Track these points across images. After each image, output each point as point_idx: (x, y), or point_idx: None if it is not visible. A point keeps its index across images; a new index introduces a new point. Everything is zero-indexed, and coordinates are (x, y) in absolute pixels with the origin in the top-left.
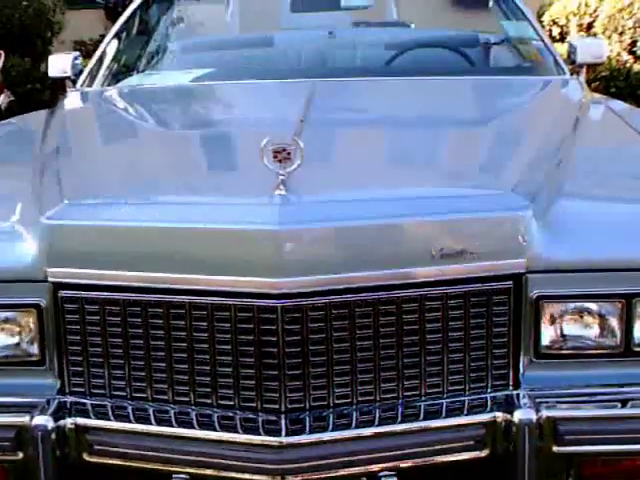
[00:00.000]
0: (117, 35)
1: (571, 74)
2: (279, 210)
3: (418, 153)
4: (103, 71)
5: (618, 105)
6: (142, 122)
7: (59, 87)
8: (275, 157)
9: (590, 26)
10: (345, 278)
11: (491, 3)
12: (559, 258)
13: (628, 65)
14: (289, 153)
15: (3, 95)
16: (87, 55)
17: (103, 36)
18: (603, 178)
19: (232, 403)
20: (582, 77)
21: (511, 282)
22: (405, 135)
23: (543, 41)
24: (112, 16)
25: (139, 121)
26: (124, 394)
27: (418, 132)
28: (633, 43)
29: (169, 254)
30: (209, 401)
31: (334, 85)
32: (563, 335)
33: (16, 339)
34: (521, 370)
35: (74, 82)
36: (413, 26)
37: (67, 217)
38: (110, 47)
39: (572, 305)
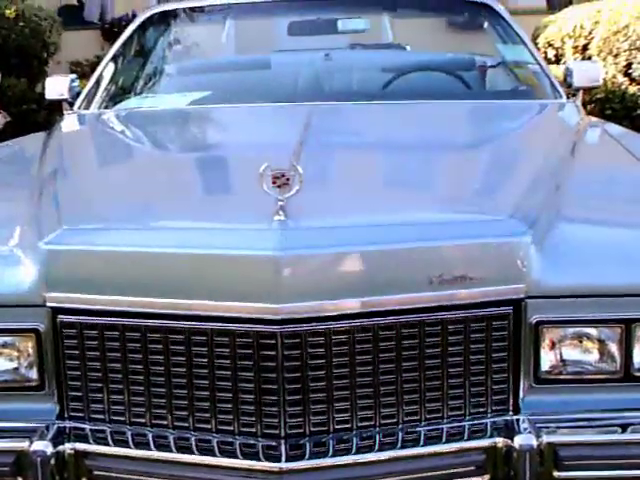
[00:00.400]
0: (114, 58)
1: (567, 97)
2: (278, 236)
3: (416, 178)
4: (100, 94)
5: (615, 129)
6: (140, 146)
7: (55, 108)
8: (274, 182)
9: (585, 48)
10: (345, 304)
11: (486, 26)
12: (558, 283)
13: (623, 87)
14: (288, 179)
15: (0, 116)
16: (83, 76)
17: (99, 57)
18: (601, 203)
19: (232, 428)
20: (579, 100)
21: (511, 307)
22: (403, 160)
23: (539, 64)
24: (108, 37)
25: (137, 145)
26: (123, 419)
27: (416, 157)
28: (628, 65)
29: (168, 279)
30: (208, 426)
31: (331, 109)
32: (563, 360)
33: (15, 364)
34: (521, 395)
35: (71, 104)
36: (409, 48)
37: (66, 242)
38: (107, 70)
39: (571, 330)
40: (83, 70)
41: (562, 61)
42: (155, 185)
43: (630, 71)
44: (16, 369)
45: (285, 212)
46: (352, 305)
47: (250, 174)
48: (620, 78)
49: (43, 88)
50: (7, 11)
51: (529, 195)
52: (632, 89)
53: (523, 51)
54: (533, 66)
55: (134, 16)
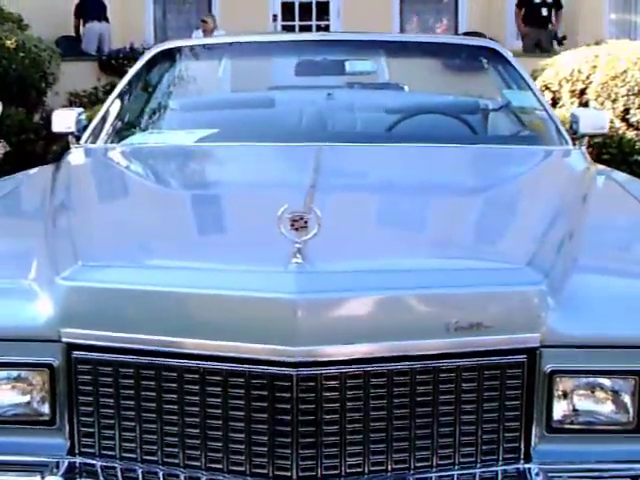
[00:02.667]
0: (122, 93)
1: (573, 144)
2: (296, 278)
3: (431, 223)
4: (107, 128)
5: (621, 176)
6: (151, 183)
7: (54, 139)
8: (292, 225)
9: (583, 92)
10: (360, 349)
11: (491, 69)
12: (573, 333)
13: (621, 132)
14: (306, 222)
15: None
16: (81, 107)
17: (96, 88)
18: (615, 252)
19: (243, 469)
20: (584, 147)
21: (525, 356)
22: (417, 205)
23: (545, 109)
24: (105, 68)
25: (148, 182)
26: (134, 456)
27: (430, 202)
28: (626, 111)
29: (184, 319)
30: (220, 466)
31: (339, 151)
32: (575, 410)
33: (27, 398)
34: (533, 444)
35: (77, 138)
36: (406, 88)
37: (82, 278)
38: (114, 104)
39: (585, 380)
40: (81, 101)
41: (559, 104)
42: (170, 223)
43: (628, 116)
44: (28, 403)
45: (302, 255)
46: (368, 350)
47: (265, 215)
48: (617, 123)
49: (41, 118)
50: (8, 41)
51: (544, 243)
52: (629, 134)
53: (529, 95)
54: (539, 111)
55: (132, 49)
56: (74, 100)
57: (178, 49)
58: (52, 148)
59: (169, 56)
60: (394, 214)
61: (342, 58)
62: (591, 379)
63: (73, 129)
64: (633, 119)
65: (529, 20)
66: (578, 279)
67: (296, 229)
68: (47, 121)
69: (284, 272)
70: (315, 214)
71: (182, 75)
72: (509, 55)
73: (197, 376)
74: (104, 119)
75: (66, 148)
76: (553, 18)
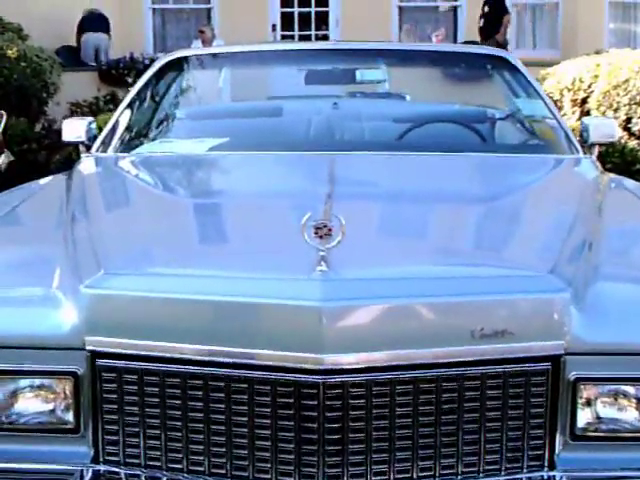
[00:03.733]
0: (132, 102)
1: (583, 152)
2: (321, 286)
3: (454, 231)
4: (117, 138)
5: (633, 184)
6: (169, 191)
7: (56, 148)
8: (316, 233)
9: (584, 101)
10: (387, 355)
11: (500, 78)
12: (597, 340)
13: (623, 141)
14: (330, 229)
15: (3, 155)
16: (82, 116)
17: (97, 98)
18: (634, 259)
19: (269, 477)
20: (594, 156)
21: (549, 363)
22: (438, 213)
23: (556, 118)
24: (106, 78)
25: (166, 190)
26: (159, 464)
27: (451, 210)
28: (628, 120)
29: (209, 326)
30: (246, 474)
31: (351, 159)
32: (599, 417)
33: (51, 406)
34: (557, 451)
35: (88, 147)
36: (408, 97)
37: (105, 286)
38: (124, 113)
39: (609, 387)
40: (82, 111)
41: (561, 114)
42: (192, 231)
43: (630, 125)
44: (52, 411)
45: (327, 262)
46: (394, 357)
47: (287, 223)
48: (620, 132)
49: (43, 128)
50: (9, 51)
51: (565, 251)
52: (631, 143)
53: (539, 104)
54: (549, 120)
55: (132, 58)
56: (75, 110)
57: (187, 58)
58: (55, 157)
59: (179, 66)
60: (415, 222)
61: (353, 67)
62: (615, 386)
63: (83, 138)
64: (635, 128)
65: (479, 32)
66: (600, 286)
67: (320, 237)
68: (49, 131)
69: (309, 280)
70: (339, 222)
71: (192, 84)
72: (519, 63)
73: (223, 384)
74: (114, 128)
75: (69, 157)
76: (502, 27)
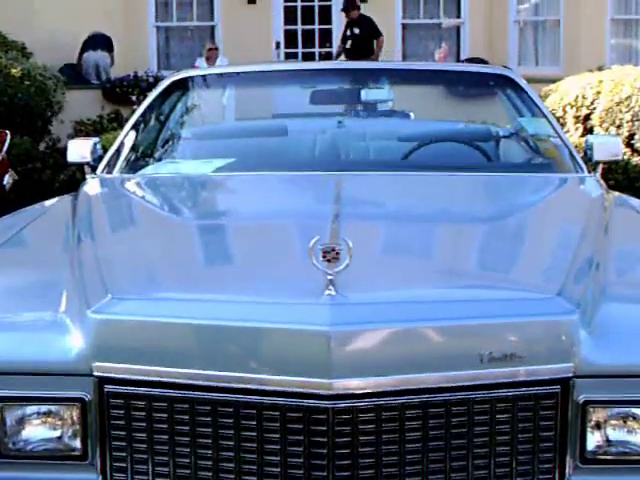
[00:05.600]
0: (137, 123)
1: (587, 171)
2: (329, 311)
3: (460, 253)
4: (122, 159)
5: (637, 202)
6: (173, 213)
7: (61, 168)
8: (324, 257)
9: (587, 118)
10: (396, 380)
11: (504, 96)
12: (606, 363)
13: (626, 158)
14: (338, 253)
15: (7, 175)
16: (87, 135)
17: (101, 117)
18: None
19: None
20: (598, 174)
21: (558, 386)
22: (444, 234)
23: (560, 137)
24: (109, 96)
25: (170, 212)
26: None
27: (456, 231)
28: (631, 136)
29: (216, 352)
30: None
31: (357, 179)
32: (608, 440)
33: (58, 432)
34: (567, 475)
35: (93, 168)
36: (412, 115)
37: (113, 312)
38: (130, 134)
39: (618, 410)
40: (87, 129)
41: (564, 130)
42: (199, 255)
43: (633, 142)
44: (59, 438)
45: (335, 286)
46: (403, 382)
47: (295, 246)
48: (622, 149)
49: (47, 147)
50: (13, 70)
51: (572, 273)
52: (634, 160)
53: (543, 123)
54: (554, 138)
55: (136, 76)
56: (79, 128)
57: (192, 79)
58: (59, 177)
59: (184, 86)
60: (421, 244)
61: (358, 87)
62: (624, 409)
63: (89, 159)
64: (638, 144)
65: (345, 54)
66: (608, 308)
67: (328, 260)
68: (53, 149)
69: (317, 304)
70: (347, 245)
71: (197, 105)
72: (523, 82)
73: (231, 409)
74: (120, 149)
75: (73, 176)
76: (377, 49)
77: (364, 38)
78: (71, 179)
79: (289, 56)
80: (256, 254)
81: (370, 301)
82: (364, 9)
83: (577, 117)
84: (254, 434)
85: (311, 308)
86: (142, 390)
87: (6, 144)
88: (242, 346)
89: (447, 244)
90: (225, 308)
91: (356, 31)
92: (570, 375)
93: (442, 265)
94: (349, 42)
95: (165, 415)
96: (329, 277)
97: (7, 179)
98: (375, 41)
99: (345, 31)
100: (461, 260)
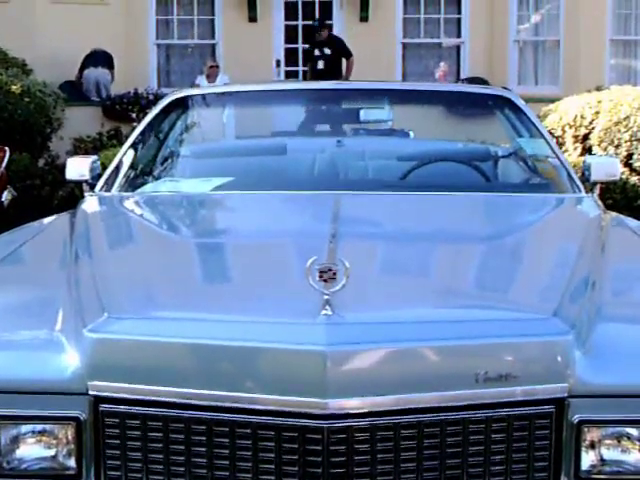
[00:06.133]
0: (136, 141)
1: (585, 191)
2: (326, 330)
3: (457, 274)
4: (120, 177)
5: (635, 223)
6: (172, 232)
7: (60, 184)
8: (320, 277)
9: (586, 138)
10: (391, 400)
11: (502, 117)
12: (601, 383)
13: (624, 177)
14: (335, 273)
15: (6, 192)
16: (86, 152)
17: (101, 134)
18: (638, 299)
19: None
20: (596, 194)
21: (553, 406)
22: (441, 254)
23: (558, 158)
24: (110, 114)
25: (168, 231)
26: None
27: (453, 251)
28: (629, 156)
29: (212, 371)
30: None
31: (356, 199)
32: (603, 460)
33: (53, 452)
34: None
35: (91, 186)
36: (412, 134)
37: (109, 330)
38: (129, 152)
39: (612, 430)
40: (86, 146)
41: (563, 150)
42: (195, 274)
43: (631, 162)
44: (54, 457)
45: (331, 306)
46: (398, 401)
47: (292, 266)
48: (621, 168)
49: (46, 163)
50: (13, 86)
51: (568, 293)
52: (633, 179)
53: (541, 143)
54: (552, 159)
55: (136, 94)
56: (79, 145)
57: (192, 97)
58: (58, 194)
59: (183, 105)
60: (418, 264)
61: (357, 107)
62: (618, 429)
63: (87, 177)
64: (636, 164)
65: (312, 74)
66: (603, 328)
67: (324, 280)
68: (52, 166)
69: (314, 324)
70: (343, 265)
71: (197, 123)
72: (522, 103)
73: (227, 429)
74: (118, 167)
75: (72, 193)
76: (344, 68)
77: (335, 58)
78: (70, 196)
79: (289, 74)
80: (253, 274)
81: (366, 321)
82: (364, 29)
83: (576, 137)
84: (249, 454)
85: (307, 328)
86: (137, 409)
87: (5, 160)
88: (238, 366)
89: (444, 264)
90: (221, 328)
91: (327, 51)
92: (565, 395)
93: (438, 285)
94: (320, 62)
95: (160, 434)
96: (325, 297)
97: (6, 195)
98: (345, 61)
99: (312, 51)
100: (457, 280)
